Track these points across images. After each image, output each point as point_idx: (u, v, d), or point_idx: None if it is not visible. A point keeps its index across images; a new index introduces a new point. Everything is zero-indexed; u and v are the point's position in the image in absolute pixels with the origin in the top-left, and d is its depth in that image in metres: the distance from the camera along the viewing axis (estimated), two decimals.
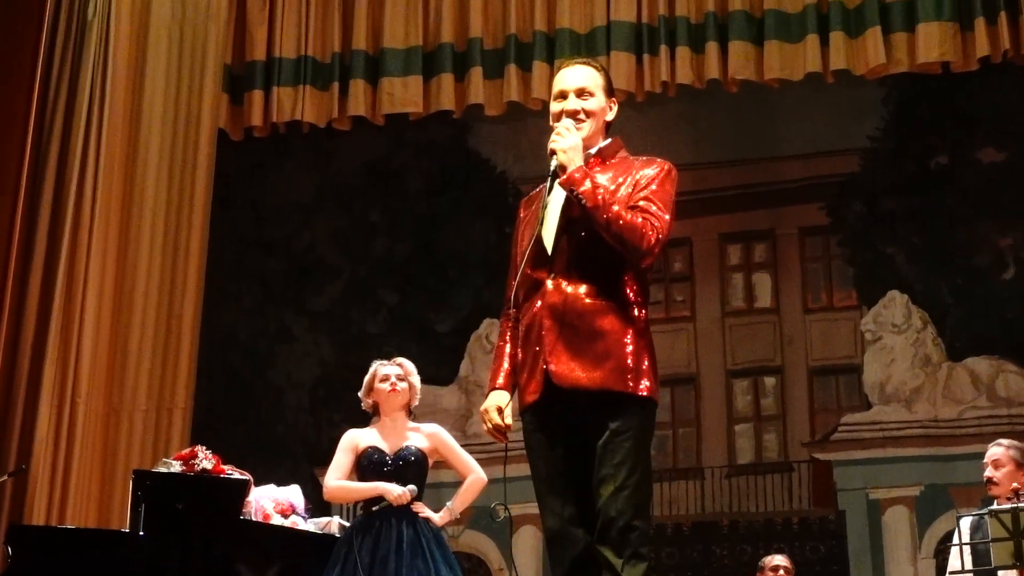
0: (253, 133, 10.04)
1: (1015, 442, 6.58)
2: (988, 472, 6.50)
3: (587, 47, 9.33)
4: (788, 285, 10.55)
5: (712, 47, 9.23)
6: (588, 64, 4.33)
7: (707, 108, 10.27)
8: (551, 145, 4.11)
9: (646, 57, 9.33)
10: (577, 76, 4.26)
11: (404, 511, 5.87)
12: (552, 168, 4.17)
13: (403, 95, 9.70)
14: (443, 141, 11.10)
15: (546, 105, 8.77)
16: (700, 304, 10.64)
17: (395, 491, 5.85)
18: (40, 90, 9.19)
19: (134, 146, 9.51)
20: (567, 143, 4.08)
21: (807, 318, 10.49)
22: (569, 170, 4.04)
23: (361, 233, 11.23)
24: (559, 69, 4.36)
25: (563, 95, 4.23)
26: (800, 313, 10.51)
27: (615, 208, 4.00)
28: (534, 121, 10.01)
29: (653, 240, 4.02)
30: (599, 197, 4.00)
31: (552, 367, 3.99)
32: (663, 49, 9.29)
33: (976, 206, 10.07)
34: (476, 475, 6.06)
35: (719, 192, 10.51)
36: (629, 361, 4.00)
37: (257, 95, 9.81)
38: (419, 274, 11.04)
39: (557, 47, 9.44)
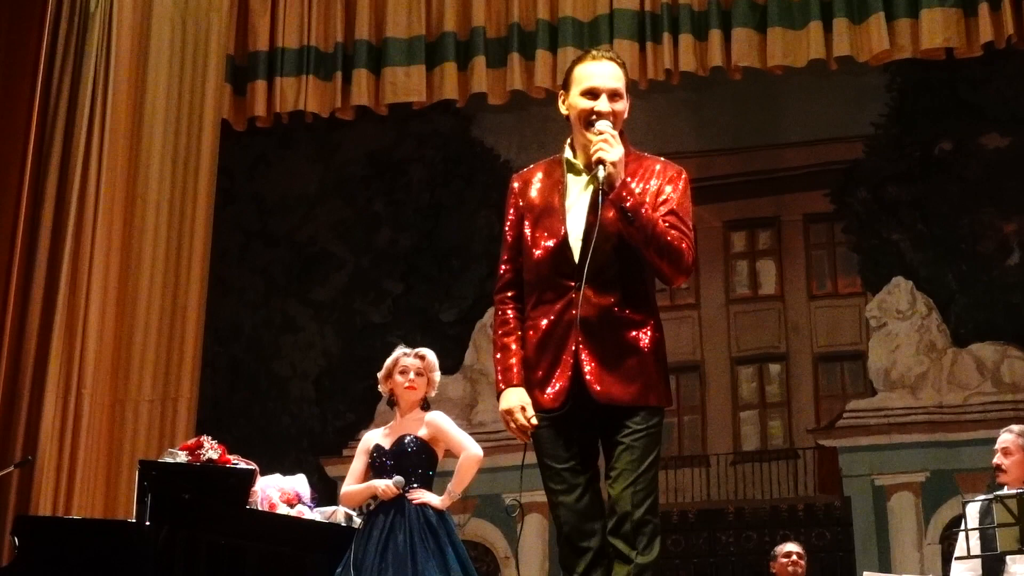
0: (256, 123, 10.03)
1: None
2: (997, 459, 6.43)
3: (590, 35, 9.31)
4: (793, 272, 10.54)
5: (715, 34, 9.21)
6: (615, 61, 4.15)
7: (711, 95, 10.26)
8: (600, 154, 3.95)
9: (649, 45, 9.31)
10: (610, 75, 4.10)
11: (396, 503, 5.85)
12: (569, 159, 4.11)
13: (406, 84, 9.68)
14: (446, 131, 11.10)
15: (549, 93, 8.75)
16: (705, 291, 10.64)
17: (380, 486, 5.86)
18: (43, 81, 9.18)
19: (137, 137, 9.51)
20: (616, 155, 3.95)
21: (812, 305, 10.49)
22: (617, 184, 3.94)
23: (365, 224, 11.23)
24: (583, 60, 4.16)
25: (594, 94, 4.07)
26: (805, 300, 10.50)
27: (661, 225, 3.95)
28: (537, 110, 10.02)
29: (691, 260, 4.02)
30: (646, 214, 3.94)
31: (598, 388, 3.94)
32: (666, 37, 9.27)
33: (980, 192, 10.07)
34: (467, 452, 6.00)
35: (723, 179, 10.50)
36: (657, 374, 4.02)
37: (260, 85, 9.80)
38: (423, 264, 11.04)
39: (560, 35, 9.42)
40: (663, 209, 4.02)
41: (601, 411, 3.98)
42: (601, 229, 3.95)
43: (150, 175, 9.45)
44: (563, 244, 4.03)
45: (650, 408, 4.00)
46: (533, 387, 4.05)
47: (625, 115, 4.13)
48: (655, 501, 3.97)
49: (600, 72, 4.09)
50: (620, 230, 3.96)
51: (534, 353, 4.07)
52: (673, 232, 3.98)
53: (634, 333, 4.00)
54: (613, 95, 4.07)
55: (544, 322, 4.05)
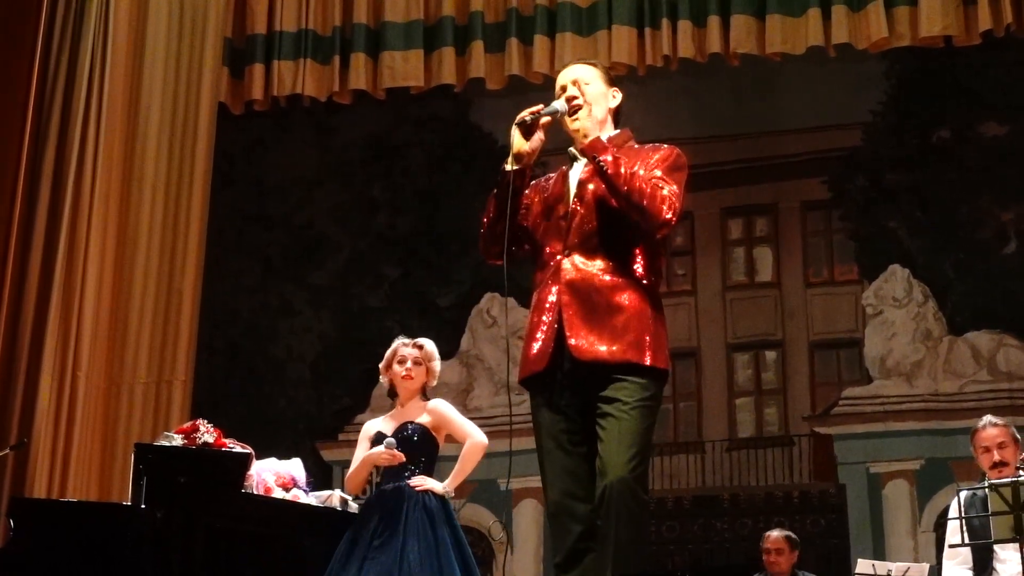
0: (254, 107, 10.00)
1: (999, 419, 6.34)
2: (998, 456, 6.14)
3: (588, 21, 9.28)
4: (789, 259, 10.55)
5: (714, 20, 9.17)
6: (582, 61, 4.55)
7: (709, 82, 10.25)
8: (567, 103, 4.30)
9: (648, 31, 9.28)
10: (569, 71, 4.45)
11: (396, 491, 5.82)
12: (571, 151, 4.32)
13: (404, 69, 9.65)
14: (444, 115, 11.09)
15: (548, 79, 8.75)
16: (701, 278, 10.64)
17: (374, 453, 5.86)
18: (40, 64, 9.16)
19: (134, 120, 9.48)
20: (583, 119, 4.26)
21: (808, 292, 10.50)
22: (591, 137, 4.18)
23: (362, 208, 11.23)
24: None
25: (563, 89, 4.39)
26: (801, 287, 10.51)
27: (636, 179, 4.08)
28: (536, 95, 9.94)
29: (670, 211, 4.09)
30: (621, 166, 4.09)
31: (573, 341, 4.06)
32: (665, 23, 9.24)
33: (978, 180, 10.07)
34: (472, 439, 6.00)
35: (721, 166, 10.49)
36: (646, 335, 4.09)
37: (258, 68, 9.76)
38: (420, 248, 11.04)
39: (559, 20, 9.38)
40: (651, 172, 4.17)
41: (591, 380, 4.05)
42: (587, 195, 4.21)
43: (146, 158, 9.42)
44: (555, 214, 4.27)
45: (641, 379, 4.04)
46: (531, 359, 4.18)
47: (609, 102, 4.41)
48: (644, 475, 4.01)
49: (562, 74, 4.49)
50: (604, 194, 4.16)
51: (530, 321, 4.23)
52: (649, 184, 4.11)
53: (622, 297, 4.11)
54: (575, 83, 4.38)
55: (540, 291, 4.22)
